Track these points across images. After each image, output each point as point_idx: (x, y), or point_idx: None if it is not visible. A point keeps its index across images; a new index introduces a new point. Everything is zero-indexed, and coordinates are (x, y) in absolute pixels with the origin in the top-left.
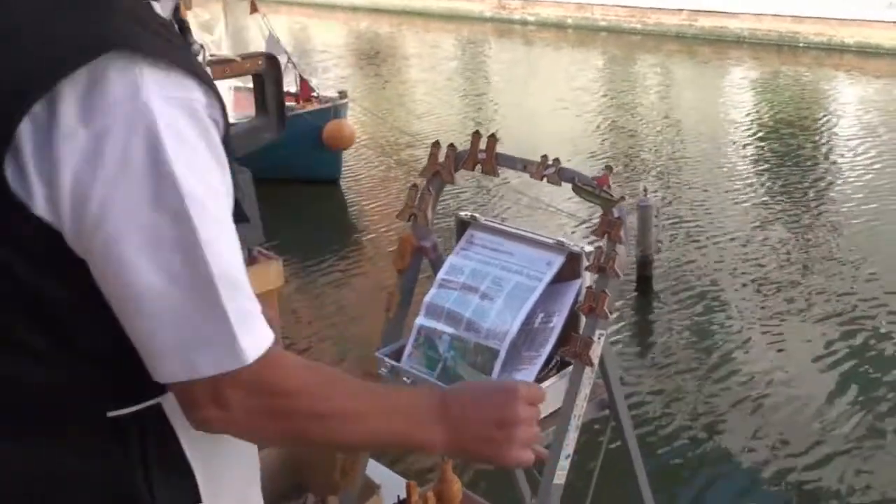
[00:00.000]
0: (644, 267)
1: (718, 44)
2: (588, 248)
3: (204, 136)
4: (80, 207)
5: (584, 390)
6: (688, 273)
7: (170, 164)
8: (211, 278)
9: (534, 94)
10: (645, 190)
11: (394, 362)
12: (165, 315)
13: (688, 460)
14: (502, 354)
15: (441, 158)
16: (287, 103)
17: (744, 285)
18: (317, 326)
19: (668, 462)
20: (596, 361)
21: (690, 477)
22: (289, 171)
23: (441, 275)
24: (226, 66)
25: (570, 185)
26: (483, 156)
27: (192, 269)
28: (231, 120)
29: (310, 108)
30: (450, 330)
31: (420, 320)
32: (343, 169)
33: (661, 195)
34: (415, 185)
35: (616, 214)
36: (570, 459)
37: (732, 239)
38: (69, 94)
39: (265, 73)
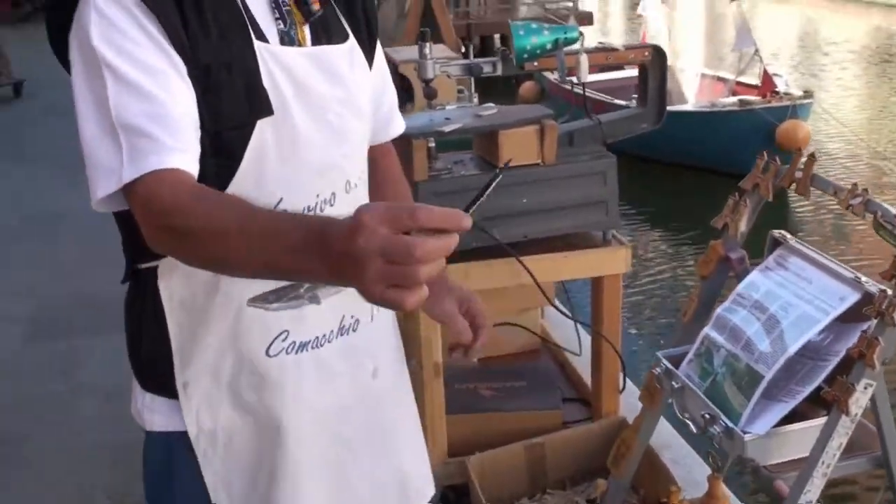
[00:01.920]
0: None
1: None
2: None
3: (129, 19)
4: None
5: (838, 439)
6: None
7: (92, 38)
8: (114, 125)
9: None
10: None
11: (669, 365)
12: (87, 149)
13: None
14: (765, 382)
15: (762, 171)
16: (747, 97)
17: None
18: (635, 310)
19: None
20: (856, 412)
21: None
22: (735, 164)
23: (738, 289)
24: (608, 54)
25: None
26: (800, 175)
27: (106, 119)
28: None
29: (774, 103)
30: (728, 346)
31: (706, 330)
32: None
33: None
34: (735, 195)
35: None
36: None
37: None
38: None
39: (650, 64)
